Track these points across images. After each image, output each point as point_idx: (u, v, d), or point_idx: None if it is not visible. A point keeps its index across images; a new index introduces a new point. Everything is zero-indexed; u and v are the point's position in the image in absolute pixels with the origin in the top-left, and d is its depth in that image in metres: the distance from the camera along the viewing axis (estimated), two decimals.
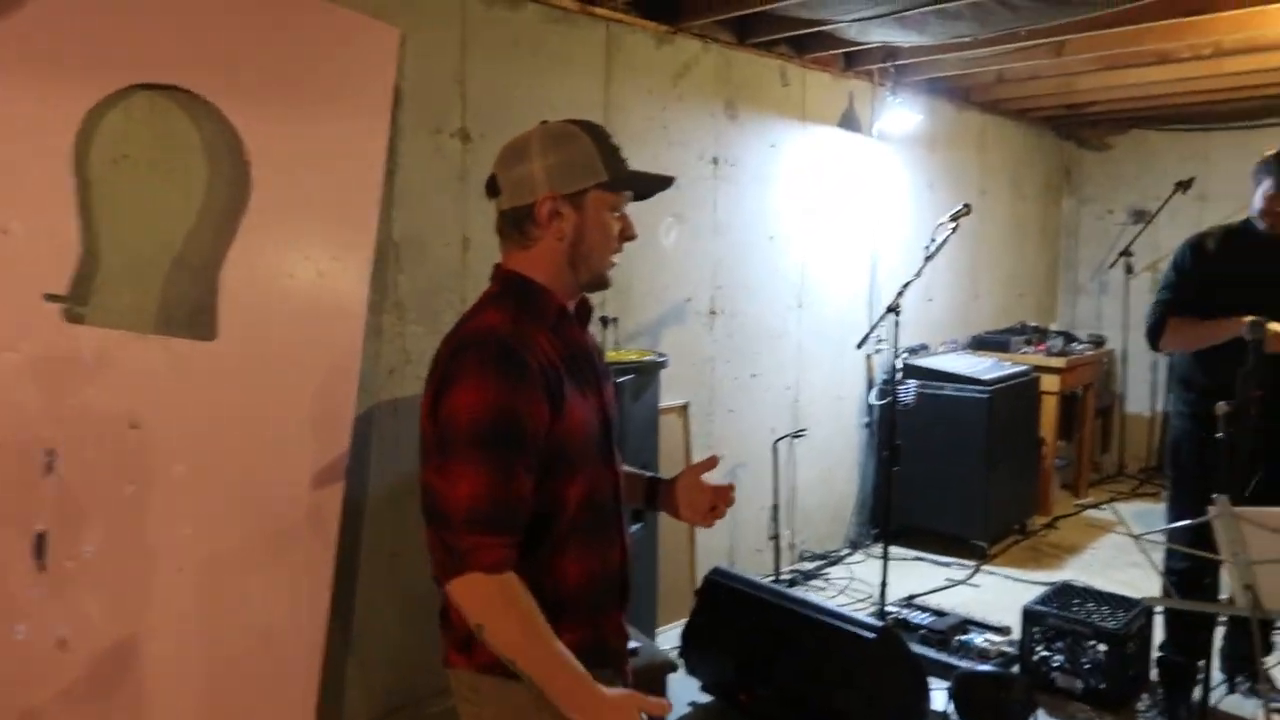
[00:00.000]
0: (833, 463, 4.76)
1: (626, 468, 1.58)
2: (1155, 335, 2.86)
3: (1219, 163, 5.89)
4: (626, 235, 1.40)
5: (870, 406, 4.90)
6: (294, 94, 2.60)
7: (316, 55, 2.64)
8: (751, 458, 4.25)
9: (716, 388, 4.06)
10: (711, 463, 1.63)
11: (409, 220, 2.99)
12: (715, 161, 3.95)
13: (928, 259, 3.60)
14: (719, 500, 1.61)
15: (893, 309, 3.49)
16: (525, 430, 1.22)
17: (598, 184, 1.33)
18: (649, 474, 1.72)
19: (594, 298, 1.59)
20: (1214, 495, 1.59)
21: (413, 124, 2.95)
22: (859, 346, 3.64)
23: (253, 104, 2.51)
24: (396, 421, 2.96)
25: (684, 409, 3.90)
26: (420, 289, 3.01)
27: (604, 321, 3.23)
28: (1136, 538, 1.85)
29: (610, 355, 3.21)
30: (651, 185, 1.41)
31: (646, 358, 3.24)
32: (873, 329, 3.73)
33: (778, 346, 4.36)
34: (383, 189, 2.80)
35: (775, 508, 4.19)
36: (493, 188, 1.41)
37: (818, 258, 4.54)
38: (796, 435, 4.29)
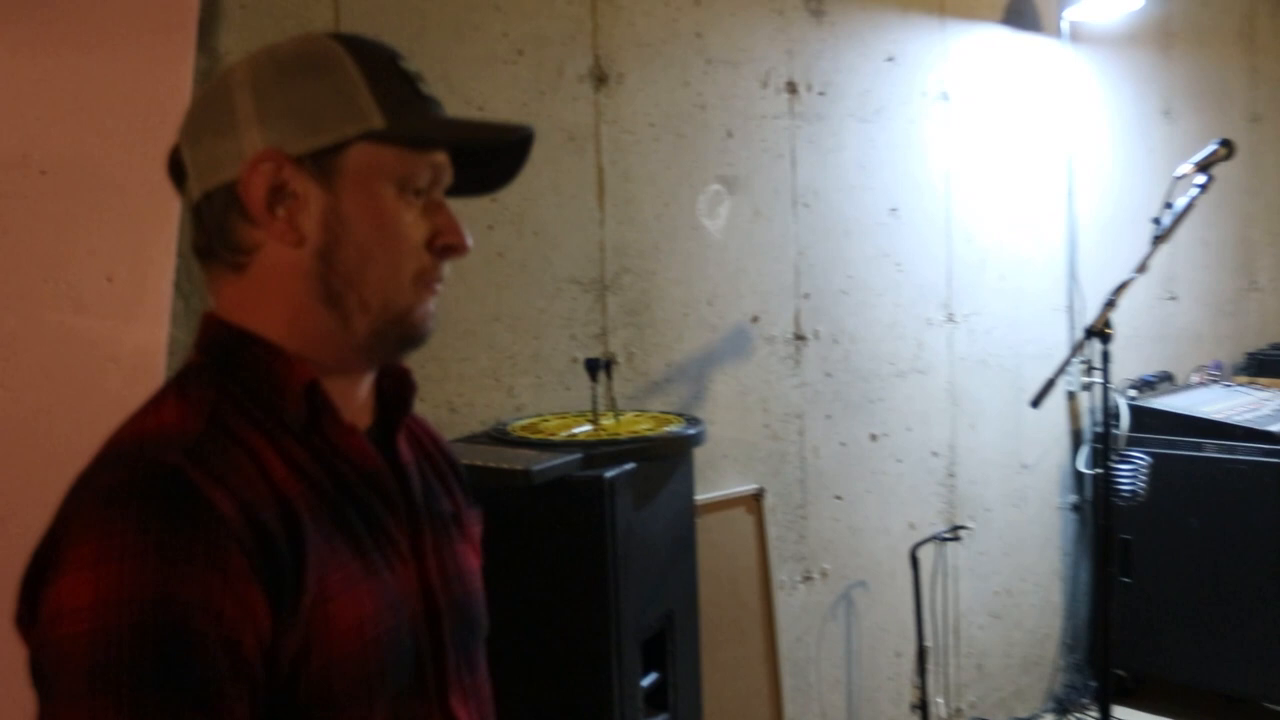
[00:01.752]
0: (1019, 574, 4.25)
1: None
2: None
3: None
4: (445, 242, 1.10)
5: (1080, 477, 4.30)
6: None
7: None
8: (875, 572, 3.78)
9: (812, 460, 3.60)
10: None
11: None
12: (792, 89, 3.49)
13: (1157, 239, 2.95)
14: None
15: (1096, 333, 2.83)
16: (208, 655, 0.90)
17: (363, 134, 1.05)
18: None
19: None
20: None
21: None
22: (1034, 403, 2.97)
23: None
24: None
25: (756, 499, 3.40)
26: None
27: (593, 370, 2.68)
28: None
29: (605, 427, 2.65)
30: (486, 142, 1.15)
31: (665, 429, 2.67)
32: (1061, 369, 3.06)
33: (915, 388, 3.88)
34: None
35: (921, 654, 3.67)
36: (176, 169, 1.13)
37: (977, 240, 4.04)
38: (952, 535, 3.71)
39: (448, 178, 1.11)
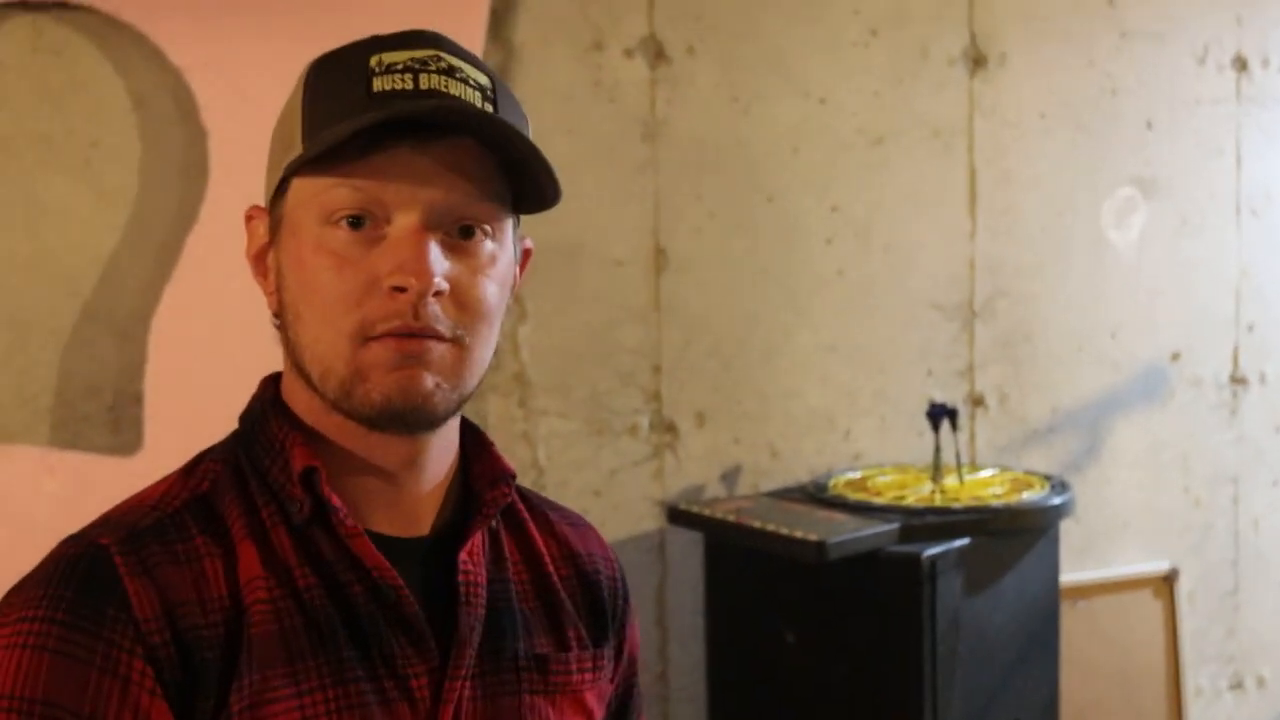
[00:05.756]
0: None
1: None
2: None
3: None
4: (388, 283, 0.91)
5: None
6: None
7: None
8: None
9: (1250, 536, 3.03)
10: None
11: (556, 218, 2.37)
12: (1240, 65, 2.94)
13: None
14: None
15: None
16: None
17: (289, 167, 0.94)
18: None
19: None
20: None
21: (542, 37, 2.38)
22: None
23: (211, 24, 2.17)
24: None
25: (1167, 581, 2.92)
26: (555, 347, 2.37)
27: (935, 419, 2.28)
28: None
29: (945, 489, 2.25)
30: (387, 122, 0.91)
31: (1019, 496, 2.22)
32: None
33: None
34: None
35: None
36: None
37: None
38: None
39: (403, 201, 0.89)
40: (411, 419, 0.90)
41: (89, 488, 2.15)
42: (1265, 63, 2.88)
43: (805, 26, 2.49)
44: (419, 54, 0.91)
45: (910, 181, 2.58)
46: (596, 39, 2.38)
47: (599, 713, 1.04)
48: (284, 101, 0.96)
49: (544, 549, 1.05)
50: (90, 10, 2.09)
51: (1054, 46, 2.69)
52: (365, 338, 0.89)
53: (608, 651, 1.06)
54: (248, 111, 2.18)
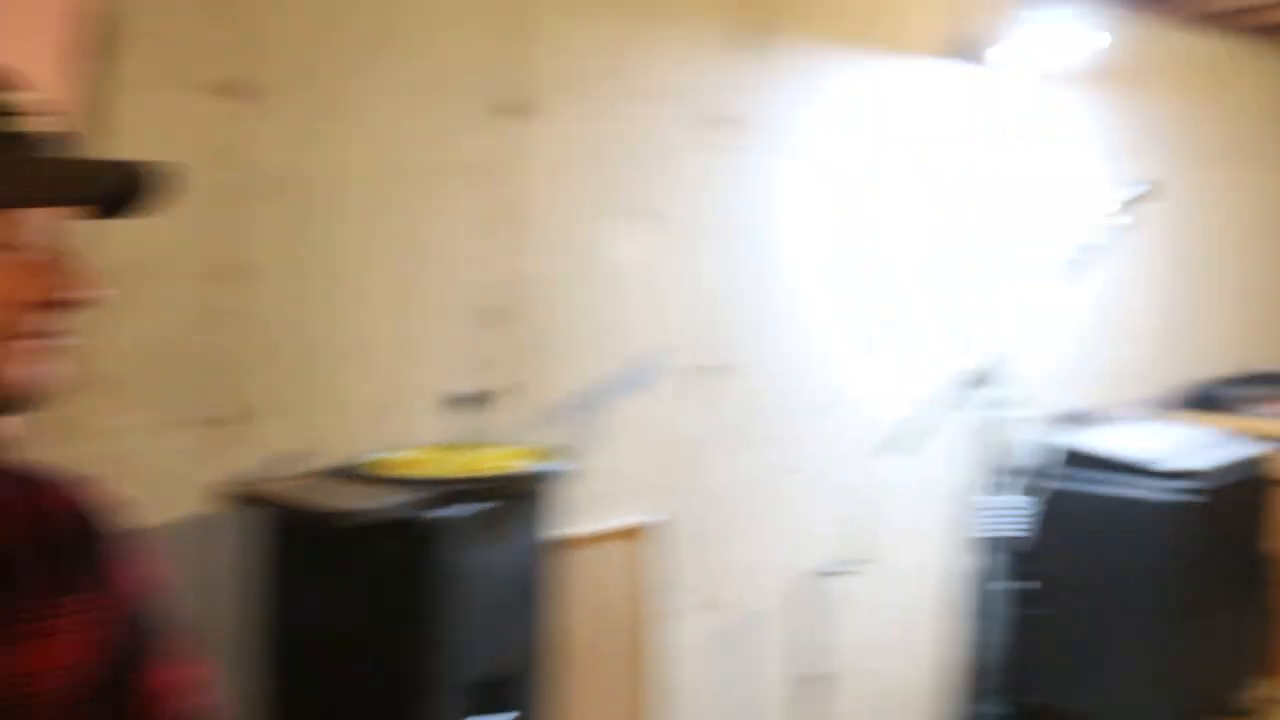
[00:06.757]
0: (925, 606, 4.27)
1: None
2: None
3: None
4: (47, 298, 1.06)
5: (983, 514, 4.27)
6: None
7: None
8: (771, 604, 3.82)
9: (713, 493, 3.65)
10: None
11: (150, 233, 2.53)
12: (719, 122, 3.55)
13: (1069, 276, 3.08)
14: None
15: (981, 380, 2.98)
16: None
17: None
18: None
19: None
20: None
21: (142, 76, 2.54)
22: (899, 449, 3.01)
23: None
24: None
25: (650, 530, 3.46)
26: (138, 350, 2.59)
27: (460, 404, 2.74)
28: None
29: (457, 463, 2.71)
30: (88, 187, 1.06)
31: (527, 465, 2.71)
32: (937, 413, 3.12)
33: (832, 421, 3.92)
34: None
35: (816, 684, 3.79)
36: None
37: (907, 275, 4.07)
38: (851, 569, 3.82)
39: (40, 226, 1.06)
40: (26, 408, 1.06)
41: None
42: (741, 121, 3.54)
43: (369, 75, 2.83)
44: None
45: (459, 208, 3.00)
46: (190, 79, 2.60)
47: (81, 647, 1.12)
48: None
49: (40, 500, 1.14)
50: None
51: (577, 101, 3.19)
52: (19, 339, 1.03)
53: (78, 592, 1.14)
54: None
